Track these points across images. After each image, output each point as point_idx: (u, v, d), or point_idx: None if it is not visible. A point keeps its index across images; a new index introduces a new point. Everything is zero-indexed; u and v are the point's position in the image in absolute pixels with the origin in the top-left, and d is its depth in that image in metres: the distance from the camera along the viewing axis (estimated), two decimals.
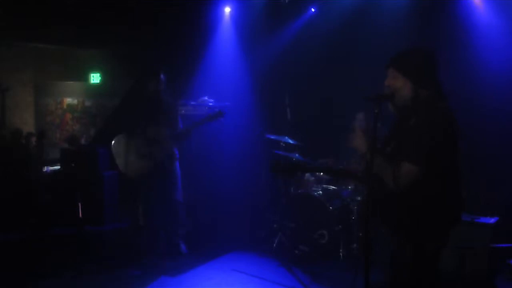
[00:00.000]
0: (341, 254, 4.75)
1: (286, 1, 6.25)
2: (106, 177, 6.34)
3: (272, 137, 5.27)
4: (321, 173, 5.26)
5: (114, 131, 4.93)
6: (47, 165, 6.85)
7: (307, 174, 5.40)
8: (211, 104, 4.53)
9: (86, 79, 9.25)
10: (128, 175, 4.72)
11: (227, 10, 6.66)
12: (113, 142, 4.75)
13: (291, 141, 5.22)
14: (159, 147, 4.51)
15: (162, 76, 4.64)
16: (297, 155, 5.21)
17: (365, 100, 2.63)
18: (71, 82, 9.12)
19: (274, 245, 5.06)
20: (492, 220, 4.17)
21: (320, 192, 5.04)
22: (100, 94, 8.85)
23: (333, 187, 5.18)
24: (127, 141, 4.68)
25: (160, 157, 4.54)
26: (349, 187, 5.15)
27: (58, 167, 6.77)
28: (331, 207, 4.80)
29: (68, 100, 8.99)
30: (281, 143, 5.30)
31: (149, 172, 4.60)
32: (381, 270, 2.92)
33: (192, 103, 5.65)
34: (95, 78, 9.23)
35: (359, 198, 4.95)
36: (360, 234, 4.81)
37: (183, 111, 4.93)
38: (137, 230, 5.30)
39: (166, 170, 4.64)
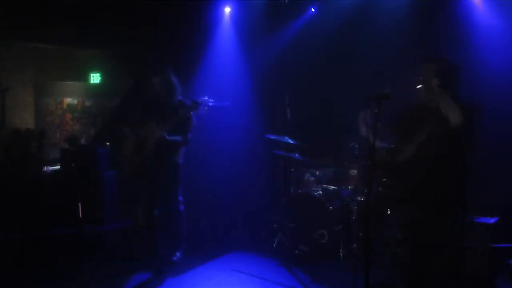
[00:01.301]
0: (341, 254, 4.76)
1: (286, 1, 6.25)
2: (106, 177, 6.34)
3: (272, 137, 5.27)
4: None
5: (114, 131, 4.93)
6: (47, 165, 6.84)
7: (307, 174, 5.40)
8: (211, 104, 4.49)
9: (86, 79, 9.24)
10: (125, 172, 4.72)
11: (227, 10, 6.65)
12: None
13: (291, 141, 5.21)
14: (147, 145, 4.48)
15: (165, 76, 4.61)
16: (297, 155, 5.22)
17: (365, 100, 2.66)
18: (71, 82, 9.11)
19: (274, 245, 5.06)
20: (492, 220, 4.17)
21: (320, 192, 5.04)
22: (100, 94, 8.84)
23: (333, 187, 5.19)
24: (125, 138, 4.68)
25: (147, 154, 4.49)
26: (349, 187, 5.15)
27: (58, 167, 6.77)
28: (331, 207, 4.80)
29: (68, 100, 8.98)
30: (281, 143, 5.30)
31: (139, 169, 4.57)
32: (382, 270, 2.93)
33: None
34: (95, 78, 9.22)
35: (359, 198, 4.96)
36: (360, 234, 4.81)
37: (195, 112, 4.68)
38: (137, 230, 5.30)
39: (160, 171, 4.56)
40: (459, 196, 3.12)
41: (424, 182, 3.09)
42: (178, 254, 4.76)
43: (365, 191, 4.59)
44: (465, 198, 3.17)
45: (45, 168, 6.78)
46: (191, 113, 4.51)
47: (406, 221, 3.19)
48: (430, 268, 2.93)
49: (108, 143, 6.63)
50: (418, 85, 3.24)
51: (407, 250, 2.96)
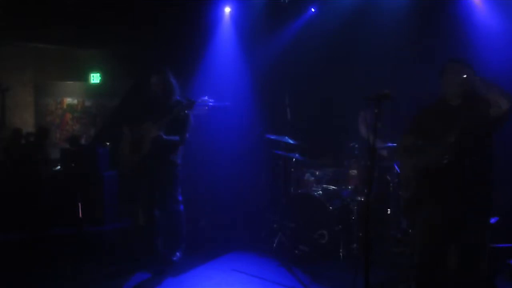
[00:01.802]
0: (341, 254, 4.75)
1: (286, 1, 6.26)
2: (106, 177, 6.34)
3: (272, 137, 5.27)
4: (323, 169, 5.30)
5: (113, 131, 4.93)
6: (47, 165, 6.84)
7: (307, 174, 5.40)
8: (211, 104, 4.48)
9: (86, 79, 9.25)
10: (124, 172, 4.71)
11: (227, 10, 6.66)
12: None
13: (291, 141, 5.22)
14: (145, 144, 4.48)
15: (163, 76, 4.61)
16: (297, 155, 5.22)
17: (365, 100, 2.66)
18: (71, 82, 9.12)
19: (274, 245, 5.06)
20: (492, 220, 4.16)
21: (320, 192, 5.04)
22: (100, 94, 8.85)
23: (333, 187, 5.19)
24: (124, 138, 4.68)
25: (145, 154, 4.48)
26: (349, 187, 5.15)
27: (58, 167, 6.78)
28: (331, 207, 4.80)
29: (68, 100, 8.99)
30: (281, 143, 5.30)
31: (138, 168, 4.57)
32: (382, 270, 2.93)
33: None
34: (95, 78, 9.23)
35: (359, 198, 4.96)
36: (360, 234, 4.81)
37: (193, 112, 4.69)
38: (137, 230, 5.29)
39: (158, 171, 4.56)
40: (486, 194, 3.15)
41: (450, 180, 3.09)
42: (178, 254, 4.76)
43: (365, 191, 4.59)
44: (490, 196, 3.19)
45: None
46: (188, 112, 4.50)
47: (434, 221, 3.15)
48: (439, 268, 2.94)
49: (108, 143, 6.64)
50: (463, 75, 3.34)
51: (422, 251, 2.97)
